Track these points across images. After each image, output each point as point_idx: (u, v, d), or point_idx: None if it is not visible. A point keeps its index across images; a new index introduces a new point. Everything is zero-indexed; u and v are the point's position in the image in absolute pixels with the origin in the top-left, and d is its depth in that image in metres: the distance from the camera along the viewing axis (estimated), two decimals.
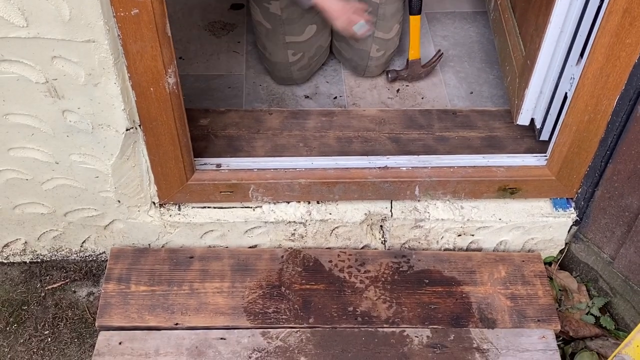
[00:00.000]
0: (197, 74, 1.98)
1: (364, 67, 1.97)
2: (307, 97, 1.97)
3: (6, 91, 1.39)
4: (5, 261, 1.83)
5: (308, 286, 1.69)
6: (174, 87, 1.46)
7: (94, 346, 1.58)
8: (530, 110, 1.71)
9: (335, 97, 1.97)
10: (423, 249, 1.79)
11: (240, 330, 1.61)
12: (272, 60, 1.92)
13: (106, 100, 1.42)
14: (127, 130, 1.48)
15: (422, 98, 1.96)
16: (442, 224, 1.73)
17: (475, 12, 2.20)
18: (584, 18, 1.48)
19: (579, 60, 1.53)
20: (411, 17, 1.94)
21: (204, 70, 2.01)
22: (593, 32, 1.44)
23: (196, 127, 1.76)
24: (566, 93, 1.59)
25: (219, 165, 1.68)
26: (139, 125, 1.51)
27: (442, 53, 2.00)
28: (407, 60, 1.98)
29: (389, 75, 1.99)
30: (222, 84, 1.97)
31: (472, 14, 2.20)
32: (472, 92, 1.96)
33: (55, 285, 1.78)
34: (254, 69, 2.03)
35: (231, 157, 1.70)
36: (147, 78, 1.42)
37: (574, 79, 1.54)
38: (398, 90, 1.98)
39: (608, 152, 1.58)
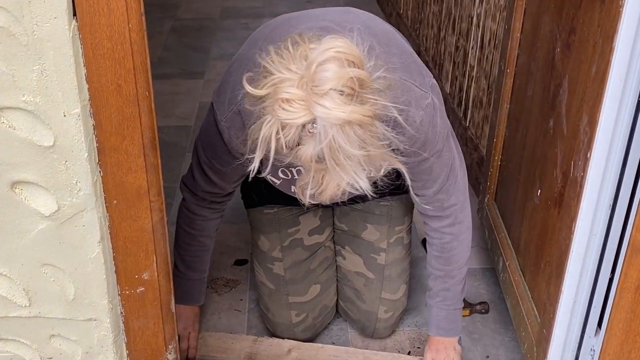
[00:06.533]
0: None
1: (372, 329, 1.90)
2: None
3: None
4: None
5: None
6: None
7: None
8: None
9: None
10: None
11: None
12: (274, 322, 1.87)
13: None
14: None
15: None
16: None
17: (484, 269, 2.21)
18: (597, 290, 1.46)
19: (597, 332, 1.47)
20: None
21: (204, 330, 1.94)
22: (608, 305, 1.41)
23: None
24: None
25: None
26: None
27: None
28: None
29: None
30: None
31: (481, 270, 2.21)
32: (488, 356, 1.87)
33: None
34: (256, 329, 1.97)
35: None
36: (146, 354, 1.37)
37: (594, 351, 1.47)
38: (409, 353, 1.90)
39: None
